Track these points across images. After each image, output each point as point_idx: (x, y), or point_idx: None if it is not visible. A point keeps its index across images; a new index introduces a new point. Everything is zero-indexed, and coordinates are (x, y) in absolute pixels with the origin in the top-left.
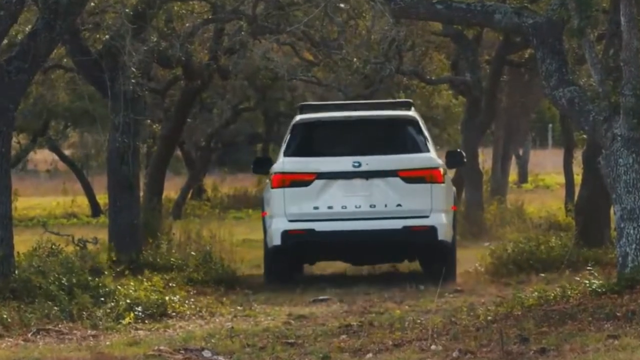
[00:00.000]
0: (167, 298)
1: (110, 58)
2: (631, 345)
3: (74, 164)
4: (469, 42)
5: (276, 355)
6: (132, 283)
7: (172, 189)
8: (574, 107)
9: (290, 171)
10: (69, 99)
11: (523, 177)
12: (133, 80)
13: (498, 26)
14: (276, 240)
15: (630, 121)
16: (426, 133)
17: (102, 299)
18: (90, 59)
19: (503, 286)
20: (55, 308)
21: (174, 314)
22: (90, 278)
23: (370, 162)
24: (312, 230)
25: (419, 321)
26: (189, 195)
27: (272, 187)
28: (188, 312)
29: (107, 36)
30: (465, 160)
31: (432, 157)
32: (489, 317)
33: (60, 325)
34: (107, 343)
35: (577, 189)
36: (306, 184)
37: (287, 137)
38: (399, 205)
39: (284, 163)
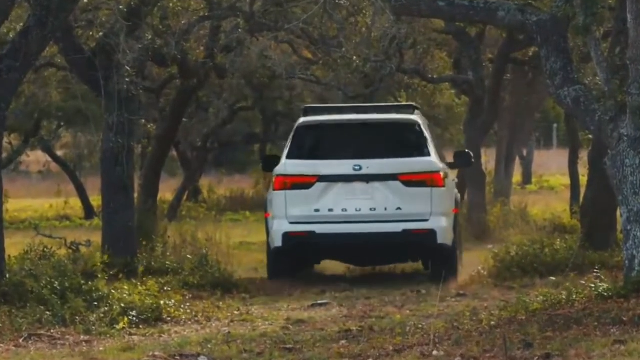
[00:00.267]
0: (162, 302)
1: (104, 56)
2: (638, 351)
3: (66, 165)
4: (472, 40)
5: None
6: (126, 287)
7: (167, 190)
8: (580, 106)
9: (292, 174)
10: (61, 98)
11: (527, 178)
12: (127, 79)
13: (501, 23)
14: (277, 242)
15: (637, 121)
16: (428, 136)
17: (96, 303)
18: (83, 57)
19: (506, 290)
20: (48, 313)
21: (169, 318)
22: (83, 282)
23: (371, 165)
24: (312, 233)
25: (420, 326)
26: (185, 197)
27: (274, 189)
28: (184, 317)
29: (100, 34)
30: (472, 160)
31: (432, 160)
32: (492, 322)
33: (52, 331)
34: (101, 349)
35: (582, 191)
36: (307, 186)
37: (290, 139)
38: (398, 208)
39: (285, 165)
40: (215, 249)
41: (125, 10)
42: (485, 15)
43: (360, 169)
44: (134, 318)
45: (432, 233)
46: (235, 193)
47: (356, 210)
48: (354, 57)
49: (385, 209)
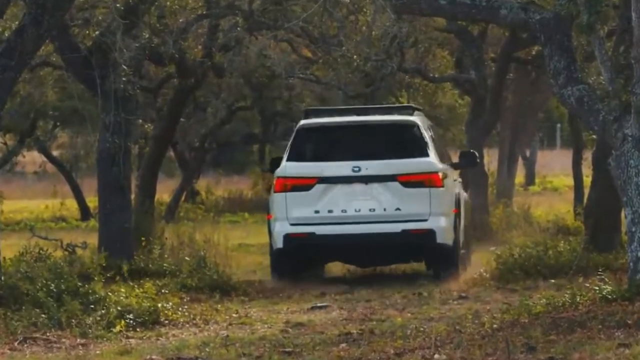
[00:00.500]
0: (159, 305)
1: (100, 55)
2: None
3: (62, 166)
4: (474, 39)
5: None
6: (123, 289)
7: (164, 191)
8: (583, 106)
9: (292, 175)
10: (57, 98)
11: (530, 179)
12: (124, 78)
13: (504, 22)
14: (279, 244)
15: None
16: (427, 137)
17: (92, 306)
18: (79, 56)
19: (509, 292)
20: (43, 315)
21: (166, 321)
22: (79, 284)
23: (370, 166)
24: (312, 234)
25: (421, 329)
26: (183, 198)
27: (275, 191)
28: (181, 320)
29: (97, 32)
30: (478, 160)
31: (430, 161)
32: (495, 325)
33: (48, 334)
34: (97, 352)
35: (586, 192)
36: (307, 188)
37: (291, 141)
38: (398, 209)
39: (286, 167)
40: (213, 251)
41: (122, 8)
42: (488, 13)
43: (359, 170)
44: (131, 321)
45: (431, 233)
46: (233, 194)
47: (355, 211)
48: (355, 56)
49: (385, 209)
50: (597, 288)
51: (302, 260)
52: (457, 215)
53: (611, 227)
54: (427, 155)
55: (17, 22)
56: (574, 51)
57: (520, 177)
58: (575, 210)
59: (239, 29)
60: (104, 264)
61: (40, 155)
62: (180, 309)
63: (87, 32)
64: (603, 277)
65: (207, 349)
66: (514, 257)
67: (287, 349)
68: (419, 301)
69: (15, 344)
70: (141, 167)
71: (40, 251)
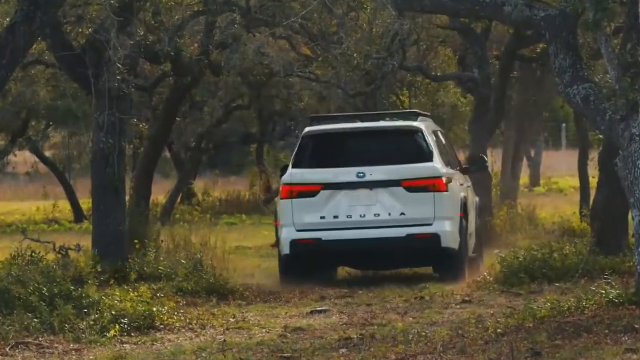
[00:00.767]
0: (155, 309)
1: (94, 53)
2: None
3: (55, 167)
4: (477, 36)
5: None
6: (117, 293)
7: (160, 192)
8: (590, 105)
9: (298, 182)
10: (50, 97)
11: (535, 180)
12: (119, 77)
13: (508, 19)
14: (286, 250)
15: None
16: (431, 143)
17: (86, 310)
18: (73, 54)
19: (514, 296)
20: (36, 320)
21: (162, 326)
22: (72, 288)
23: (374, 172)
24: (319, 240)
25: (424, 334)
26: (179, 200)
27: (281, 198)
28: (177, 325)
29: (91, 30)
30: (487, 165)
31: (434, 166)
32: (499, 330)
33: (40, 339)
34: (91, 358)
35: (592, 193)
36: (313, 194)
37: (296, 148)
38: (402, 214)
39: (291, 175)
40: (210, 254)
41: (117, 5)
42: (491, 10)
43: (364, 176)
44: (126, 326)
45: (435, 237)
46: (231, 195)
47: (361, 216)
48: (355, 54)
49: (389, 214)
50: (603, 292)
51: (309, 266)
52: (464, 219)
53: (618, 229)
54: (431, 160)
55: (8, 19)
56: (580, 49)
57: (525, 178)
58: (581, 212)
59: (236, 26)
60: (98, 268)
61: (33, 156)
62: (176, 313)
63: (81, 29)
64: (610, 280)
65: (203, 355)
66: (519, 260)
67: (285, 355)
68: (421, 305)
69: (7, 349)
70: (136, 168)
71: (33, 254)
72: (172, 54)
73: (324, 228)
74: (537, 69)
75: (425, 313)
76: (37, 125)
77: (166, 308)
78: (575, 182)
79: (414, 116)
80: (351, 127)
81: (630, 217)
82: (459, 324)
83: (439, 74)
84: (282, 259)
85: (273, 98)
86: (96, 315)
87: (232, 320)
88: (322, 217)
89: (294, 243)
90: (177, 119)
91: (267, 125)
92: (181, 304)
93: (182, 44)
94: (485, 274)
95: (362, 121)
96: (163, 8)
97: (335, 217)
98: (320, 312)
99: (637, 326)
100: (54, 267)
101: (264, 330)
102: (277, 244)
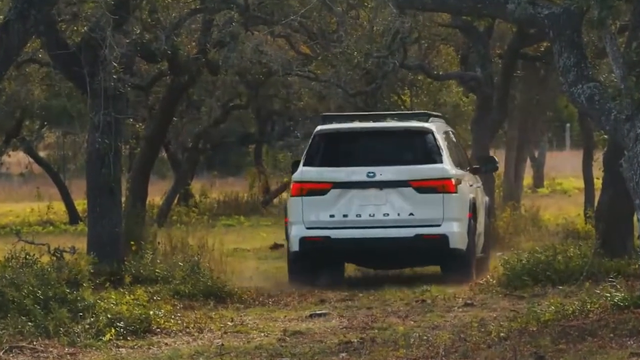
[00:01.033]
0: (151, 312)
1: (89, 51)
2: None
3: (50, 167)
4: (480, 35)
5: None
6: (113, 296)
7: (156, 193)
8: (594, 104)
9: (308, 180)
10: (44, 96)
11: (539, 181)
12: (114, 76)
13: (511, 17)
14: (295, 247)
15: None
16: (441, 143)
17: (81, 313)
18: (67, 52)
19: (517, 299)
20: (30, 324)
21: (158, 330)
22: (67, 291)
23: (384, 172)
24: (328, 238)
25: (425, 338)
26: (175, 201)
27: (291, 196)
28: (174, 328)
29: (86, 28)
30: (498, 165)
31: (444, 167)
32: (502, 333)
33: (35, 343)
34: None
35: (597, 194)
36: (323, 192)
37: (308, 147)
38: (411, 214)
39: (302, 172)
40: (207, 256)
41: (112, 2)
42: (494, 8)
43: (374, 175)
44: (122, 329)
45: (444, 238)
46: (228, 196)
47: (370, 215)
48: (355, 53)
49: (398, 214)
50: (608, 295)
51: (318, 263)
52: (472, 220)
53: (623, 231)
54: (440, 161)
55: (2, 17)
56: (585, 47)
57: (528, 178)
58: (585, 214)
59: (234, 24)
60: (93, 270)
61: (27, 156)
62: (173, 316)
63: (76, 27)
64: (615, 283)
65: (201, 359)
66: (522, 263)
67: (284, 359)
68: (423, 308)
69: (1, 353)
70: (132, 168)
71: (27, 256)
72: (169, 52)
73: (333, 226)
74: (541, 68)
75: (427, 316)
76: (31, 125)
77: (163, 311)
78: (580, 183)
79: (425, 117)
80: (362, 127)
81: (635, 218)
82: (461, 327)
83: (440, 73)
84: (291, 256)
85: (271, 97)
86: (91, 319)
87: (229, 323)
88: (332, 216)
89: (303, 240)
90: (174, 118)
91: (266, 125)
92: (178, 307)
93: (178, 42)
94: (488, 276)
95: (374, 121)
96: (159, 5)
97: (345, 215)
98: (319, 315)
99: None
100: (49, 269)
101: (262, 334)
102: (286, 240)
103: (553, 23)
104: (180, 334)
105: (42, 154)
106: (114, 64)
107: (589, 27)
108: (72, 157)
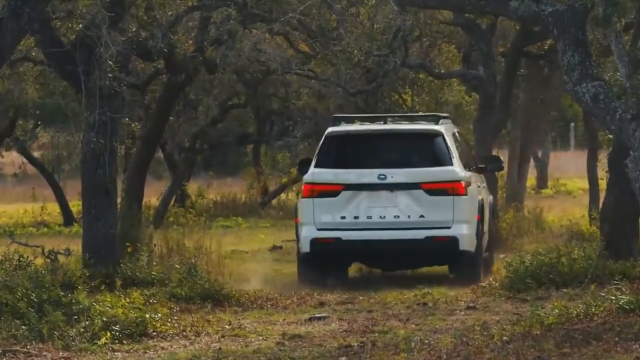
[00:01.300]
0: (147, 316)
1: (84, 50)
2: None
3: (44, 167)
4: (482, 32)
5: None
6: (108, 299)
7: (153, 194)
8: (599, 104)
9: (319, 182)
10: (38, 95)
11: (542, 182)
12: (110, 75)
13: (514, 14)
14: (305, 248)
15: None
16: (451, 146)
17: (76, 317)
18: (62, 50)
19: (520, 302)
20: (24, 327)
21: (155, 333)
22: (62, 294)
23: (395, 174)
24: (339, 239)
25: (426, 341)
26: (172, 202)
27: (302, 197)
28: (171, 332)
29: (81, 25)
30: (503, 165)
31: (454, 170)
32: (505, 337)
33: (29, 346)
34: None
35: (602, 195)
36: (334, 194)
37: (319, 148)
38: (422, 216)
39: (313, 174)
40: (204, 258)
41: (107, 0)
42: (497, 5)
43: (385, 178)
44: (117, 333)
45: (454, 240)
46: (226, 197)
47: (381, 217)
48: (355, 51)
49: (409, 216)
50: (613, 298)
51: (328, 264)
52: (480, 222)
53: (628, 232)
54: (451, 163)
55: None
56: (589, 45)
57: (531, 179)
58: (590, 215)
59: (232, 21)
60: (88, 273)
61: (20, 157)
62: (169, 320)
63: (70, 25)
64: (620, 286)
65: None
66: (525, 265)
67: None
68: (424, 311)
69: None
70: (128, 169)
71: (21, 258)
72: (165, 50)
73: (344, 227)
74: (545, 66)
75: (428, 319)
76: (24, 125)
77: (159, 314)
78: (584, 183)
79: (435, 119)
80: (373, 129)
81: None
82: (463, 331)
83: (442, 72)
84: (301, 257)
85: (270, 96)
86: (86, 322)
87: (227, 327)
88: (343, 217)
89: (314, 241)
90: (171, 118)
91: (264, 125)
92: (174, 310)
93: (175, 40)
94: (491, 279)
95: (385, 123)
96: (156, 3)
97: (356, 217)
98: (319, 318)
99: None
100: (43, 272)
101: (260, 338)
102: (296, 240)
103: (557, 20)
104: (176, 337)
105: (36, 154)
106: (110, 62)
107: (593, 24)
108: (66, 157)
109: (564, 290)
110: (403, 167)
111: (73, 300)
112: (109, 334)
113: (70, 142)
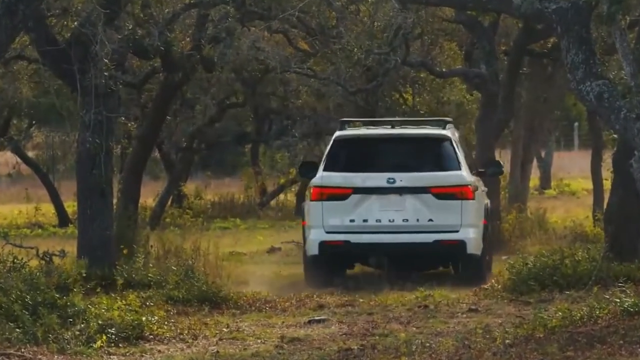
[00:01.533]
0: (144, 318)
1: (79, 48)
2: None
3: (38, 168)
4: (485, 30)
5: None
6: (104, 302)
7: (149, 195)
8: (603, 103)
9: (328, 185)
10: (33, 94)
11: (546, 182)
12: (105, 73)
13: (517, 12)
14: (314, 250)
15: None
16: (459, 150)
17: (71, 319)
18: (57, 48)
19: (523, 305)
20: (18, 330)
21: (151, 336)
22: (57, 296)
23: (404, 178)
24: (347, 242)
25: (428, 345)
26: (169, 203)
27: (311, 200)
28: (168, 335)
29: (76, 23)
30: (503, 170)
31: (463, 174)
32: (507, 340)
33: (23, 350)
34: None
35: (606, 196)
36: (343, 197)
37: (327, 151)
38: (430, 220)
39: (322, 177)
40: (202, 260)
41: None
42: (499, 2)
43: (394, 181)
44: (113, 336)
45: (462, 244)
46: (224, 198)
47: (389, 221)
48: (355, 49)
49: (418, 220)
50: (618, 300)
51: (335, 267)
52: (486, 226)
53: (633, 234)
54: (459, 168)
55: None
56: (594, 43)
57: (534, 180)
58: (594, 216)
59: (230, 19)
60: (83, 274)
61: (14, 156)
62: (166, 322)
63: (66, 22)
64: (624, 288)
65: None
66: (528, 267)
67: None
68: (425, 314)
69: None
70: (124, 169)
71: (15, 260)
72: (162, 48)
73: (353, 231)
74: (548, 65)
75: (430, 322)
76: (19, 124)
77: (156, 317)
78: (588, 184)
79: (442, 124)
80: (382, 133)
81: None
82: (465, 334)
83: (444, 70)
84: (309, 260)
85: (269, 95)
86: (82, 325)
87: (225, 330)
88: (352, 220)
89: (323, 244)
90: (167, 117)
91: (263, 124)
92: (171, 313)
93: (172, 38)
94: (493, 281)
95: (392, 127)
96: (152, 0)
97: (365, 220)
98: (318, 321)
99: None
100: (37, 273)
101: (259, 341)
102: (303, 243)
103: (561, 18)
104: (173, 340)
105: (30, 154)
106: (105, 60)
107: (598, 22)
108: (61, 157)
109: (568, 292)
110: (412, 171)
111: (68, 303)
112: (104, 337)
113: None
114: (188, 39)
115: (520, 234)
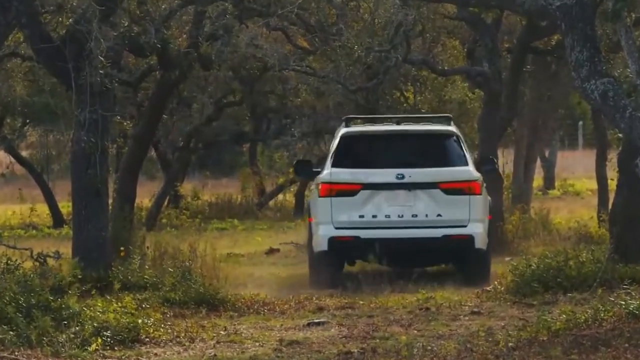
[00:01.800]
0: (139, 321)
1: (74, 45)
2: None
3: (32, 167)
4: (487, 27)
5: None
6: (99, 304)
7: (145, 195)
8: (608, 101)
9: (337, 181)
10: (27, 92)
11: (549, 183)
12: (101, 71)
13: (521, 9)
14: (323, 246)
15: None
16: (465, 146)
17: (65, 322)
18: (51, 46)
19: (526, 307)
20: (12, 333)
21: (147, 339)
22: (51, 298)
23: (413, 174)
24: (357, 237)
25: (429, 348)
26: (165, 203)
27: (320, 196)
28: (164, 338)
29: (71, 20)
30: (496, 167)
31: (470, 170)
32: (510, 343)
33: (16, 353)
34: None
35: (611, 196)
36: (352, 193)
37: (334, 148)
38: (439, 215)
39: (331, 174)
40: (199, 262)
41: None
42: None
43: (403, 177)
44: (108, 339)
45: (470, 238)
46: (221, 198)
47: (399, 216)
48: (355, 47)
49: (426, 215)
50: (622, 303)
51: (341, 263)
52: (491, 222)
53: (638, 235)
54: (466, 164)
55: None
56: (598, 41)
57: (538, 180)
58: (599, 217)
59: (227, 16)
60: (78, 276)
61: (8, 156)
62: (162, 325)
63: (60, 19)
64: (629, 290)
65: None
66: (532, 269)
67: None
68: (427, 316)
69: None
70: (120, 168)
71: (8, 262)
72: (159, 46)
73: (362, 226)
74: (552, 63)
75: (431, 325)
76: (12, 123)
77: (152, 320)
78: (593, 184)
79: (448, 120)
80: (389, 130)
81: None
82: (468, 337)
83: (445, 68)
84: (317, 256)
85: (267, 94)
86: (76, 328)
87: (222, 332)
88: (361, 216)
89: (332, 240)
90: (164, 116)
91: (261, 123)
92: (168, 315)
93: (169, 36)
94: (496, 282)
95: (397, 124)
96: None
97: (374, 216)
98: (317, 323)
99: None
100: (31, 275)
101: (257, 344)
102: (309, 240)
103: (565, 15)
104: (170, 343)
105: (24, 153)
106: (101, 58)
107: (603, 19)
108: (56, 157)
109: (572, 294)
110: (420, 167)
111: (63, 305)
112: (99, 339)
113: (60, 141)
114: (185, 36)
115: (523, 235)
